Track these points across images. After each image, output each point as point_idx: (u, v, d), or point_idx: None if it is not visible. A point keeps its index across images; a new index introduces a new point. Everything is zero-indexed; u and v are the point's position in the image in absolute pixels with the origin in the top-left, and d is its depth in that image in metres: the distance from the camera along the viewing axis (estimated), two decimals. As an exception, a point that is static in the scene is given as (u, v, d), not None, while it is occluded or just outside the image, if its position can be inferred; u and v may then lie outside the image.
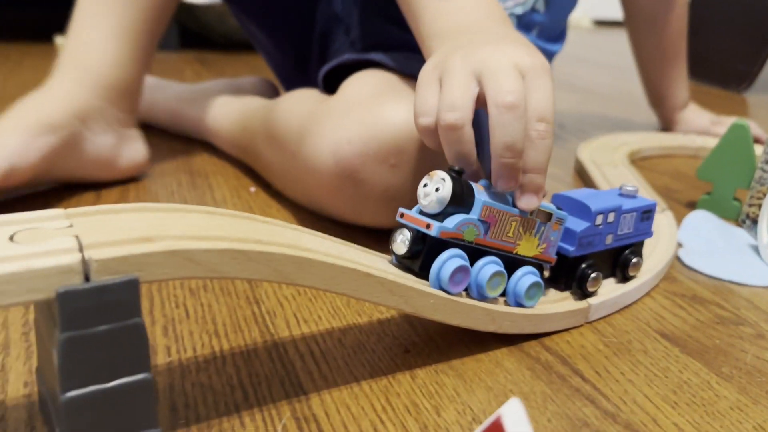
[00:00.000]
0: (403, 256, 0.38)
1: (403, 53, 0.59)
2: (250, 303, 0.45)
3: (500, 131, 0.39)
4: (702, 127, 1.02)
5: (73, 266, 0.26)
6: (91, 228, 0.29)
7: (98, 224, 0.29)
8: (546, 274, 0.44)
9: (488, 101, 0.39)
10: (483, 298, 0.39)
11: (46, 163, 0.58)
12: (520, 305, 0.41)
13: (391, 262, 0.39)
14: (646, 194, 0.69)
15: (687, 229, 0.62)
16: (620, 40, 1.93)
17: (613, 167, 0.80)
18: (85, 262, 0.26)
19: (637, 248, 0.48)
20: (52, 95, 0.62)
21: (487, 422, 0.21)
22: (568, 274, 0.45)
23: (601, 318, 0.46)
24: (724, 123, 1.02)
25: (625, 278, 0.48)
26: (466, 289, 0.39)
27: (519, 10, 0.71)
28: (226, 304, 0.45)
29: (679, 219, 0.65)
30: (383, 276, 0.34)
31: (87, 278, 0.26)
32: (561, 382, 0.38)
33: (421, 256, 0.38)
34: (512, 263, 0.41)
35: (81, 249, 0.27)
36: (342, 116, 0.52)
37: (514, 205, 0.40)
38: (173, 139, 0.83)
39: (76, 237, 0.27)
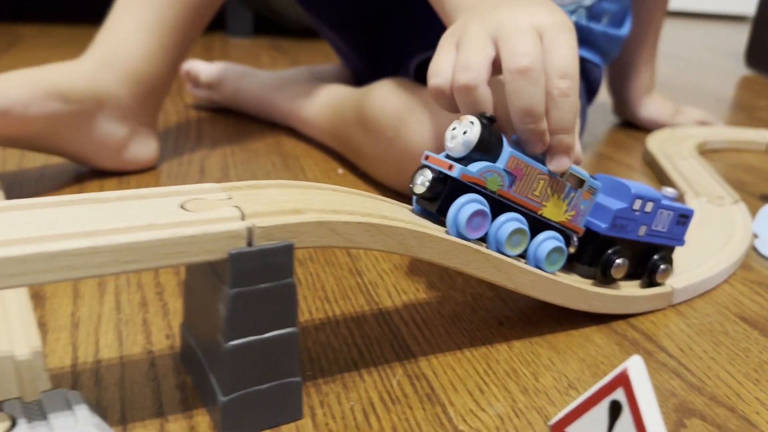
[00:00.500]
0: (422, 196, 0.38)
1: None
2: (353, 274, 0.49)
3: (516, 97, 0.38)
4: (666, 115, 1.00)
5: (240, 232, 0.30)
6: (247, 200, 0.33)
7: (252, 197, 0.33)
8: (572, 249, 0.42)
9: (503, 66, 0.39)
10: (501, 254, 0.39)
11: (47, 126, 0.58)
12: (540, 269, 0.40)
13: (412, 211, 0.40)
14: (718, 186, 0.70)
15: (762, 221, 0.64)
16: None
17: (682, 159, 0.82)
18: (250, 229, 0.30)
19: (667, 254, 0.47)
20: (76, 70, 0.62)
21: (613, 374, 0.24)
22: (594, 253, 0.44)
23: (683, 302, 0.49)
24: (686, 113, 1.01)
25: (651, 283, 0.47)
26: (484, 240, 0.39)
27: (588, 1, 0.73)
28: (332, 274, 0.49)
29: (753, 211, 0.66)
30: (490, 253, 0.38)
31: (250, 243, 0.31)
32: (648, 357, 0.41)
33: (440, 198, 0.37)
34: (537, 225, 0.40)
35: (243, 217, 0.31)
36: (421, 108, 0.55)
37: (545, 165, 0.40)
38: (262, 124, 0.88)
39: (237, 207, 0.32)
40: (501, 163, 0.37)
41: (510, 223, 0.38)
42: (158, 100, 0.69)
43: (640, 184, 0.45)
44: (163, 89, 0.69)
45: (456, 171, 0.36)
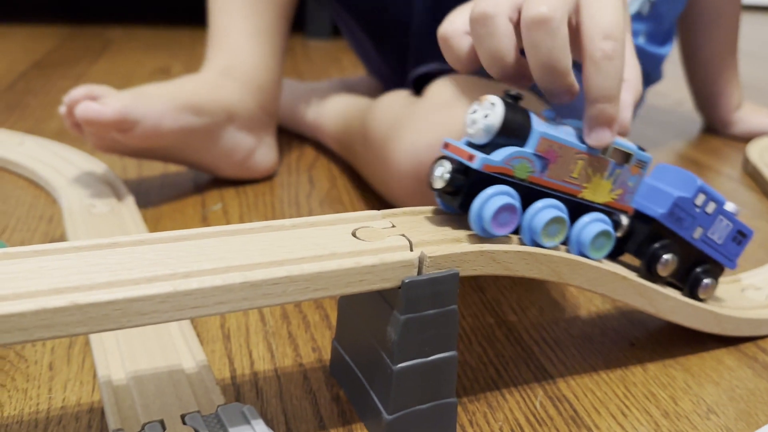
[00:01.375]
0: (443, 191, 0.34)
1: None
2: (474, 290, 0.50)
3: (532, 53, 0.34)
4: (764, 124, 0.97)
5: (412, 261, 0.32)
6: (410, 228, 0.34)
7: (413, 225, 0.35)
8: (620, 232, 0.38)
9: (521, 17, 0.34)
10: (536, 245, 0.35)
11: (179, 139, 0.60)
12: (584, 256, 0.36)
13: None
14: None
15: None
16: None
17: (785, 169, 0.80)
18: (421, 258, 0.32)
19: (714, 269, 0.43)
20: (203, 83, 0.64)
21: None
22: (642, 242, 0.40)
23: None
24: None
25: (692, 294, 0.43)
26: (517, 232, 0.35)
27: None
28: (457, 290, 0.50)
29: None
30: (635, 280, 0.39)
31: (419, 271, 0.32)
32: (784, 383, 0.42)
33: (462, 192, 0.33)
34: (578, 209, 0.36)
35: (411, 247, 0.33)
36: (421, 120, 0.52)
37: (583, 142, 0.35)
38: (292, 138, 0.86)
39: (404, 236, 0.33)
40: (530, 146, 0.33)
41: (545, 211, 0.34)
42: (277, 107, 0.71)
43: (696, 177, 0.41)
44: (279, 95, 0.71)
45: (477, 162, 0.32)
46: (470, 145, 0.34)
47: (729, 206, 0.42)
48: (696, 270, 0.42)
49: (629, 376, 0.41)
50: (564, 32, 0.33)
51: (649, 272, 0.40)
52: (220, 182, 0.69)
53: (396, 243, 0.32)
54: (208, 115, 0.62)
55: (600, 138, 0.35)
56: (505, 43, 0.35)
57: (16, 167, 0.68)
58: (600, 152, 0.35)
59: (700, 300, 0.43)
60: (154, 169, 0.71)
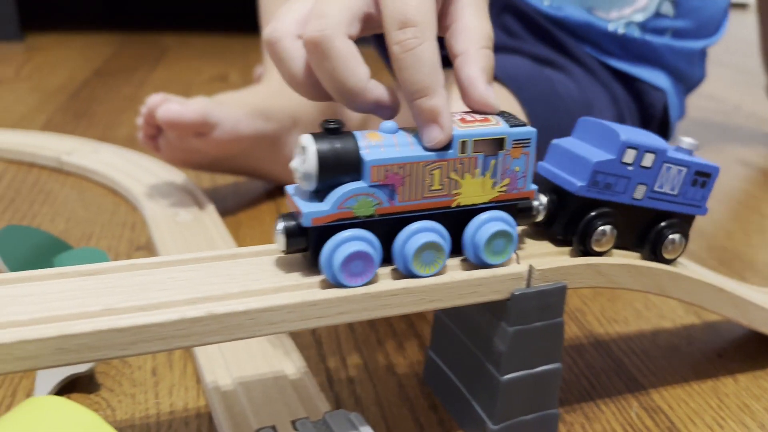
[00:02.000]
0: (285, 253, 0.30)
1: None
2: (555, 299, 0.51)
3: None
4: None
5: (522, 274, 0.32)
6: (514, 240, 0.35)
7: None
8: (540, 217, 0.34)
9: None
10: (413, 276, 0.31)
11: (251, 144, 0.61)
12: (485, 264, 0.32)
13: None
14: None
15: None
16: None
17: None
18: (530, 271, 0.32)
19: (679, 223, 0.36)
20: (268, 91, 0.66)
21: None
22: (569, 220, 0.34)
23: None
24: None
25: (656, 257, 0.37)
26: (387, 263, 0.31)
27: (639, 17, 0.69)
28: (538, 300, 0.51)
29: None
30: (731, 292, 0.39)
31: (528, 284, 0.33)
32: None
33: (308, 249, 0.30)
34: (464, 218, 0.32)
35: (518, 259, 0.33)
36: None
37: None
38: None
39: (511, 248, 0.34)
40: (365, 180, 0.29)
41: (415, 237, 0.30)
42: (333, 114, 0.73)
43: (639, 130, 0.36)
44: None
45: (304, 219, 0.29)
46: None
47: (684, 142, 0.36)
48: (655, 228, 0.36)
49: (721, 387, 0.41)
50: (339, 49, 0.30)
51: (585, 247, 0.34)
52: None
53: (504, 255, 0.33)
54: (277, 121, 0.64)
55: (431, 137, 0.30)
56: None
57: (94, 175, 0.70)
58: (459, 152, 0.30)
59: (665, 260, 0.37)
60: (227, 178, 0.73)
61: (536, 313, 0.33)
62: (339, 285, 0.29)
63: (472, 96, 0.31)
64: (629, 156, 0.34)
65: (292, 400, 0.36)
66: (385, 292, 0.30)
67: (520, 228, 0.35)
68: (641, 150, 0.34)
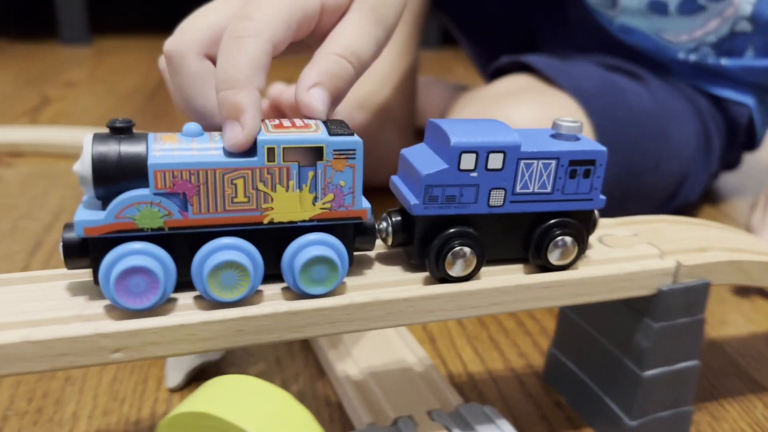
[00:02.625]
0: (70, 268, 0.27)
1: (558, 60, 0.61)
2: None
3: None
4: None
5: (670, 270, 0.32)
6: (652, 237, 0.35)
7: (653, 233, 0.35)
8: (389, 240, 0.30)
9: None
10: (214, 299, 0.26)
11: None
12: (305, 294, 0.27)
13: None
14: None
15: None
16: None
17: None
18: (677, 267, 0.32)
19: (567, 222, 0.30)
20: (361, 85, 0.67)
21: None
22: (417, 242, 0.29)
23: None
24: None
25: (544, 266, 0.31)
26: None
27: (712, 39, 0.64)
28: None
29: None
30: None
31: (674, 280, 0.32)
32: None
33: (90, 266, 0.26)
34: (285, 236, 0.27)
35: (661, 255, 0.33)
36: (468, 106, 0.55)
37: (234, 156, 0.26)
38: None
39: (652, 245, 0.34)
40: (150, 186, 0.25)
41: (213, 257, 0.26)
42: (414, 115, 0.74)
43: (491, 122, 0.30)
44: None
45: (75, 228, 0.25)
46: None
47: (564, 124, 0.30)
48: (536, 233, 0.30)
49: None
50: (189, 67, 0.30)
51: (438, 270, 0.29)
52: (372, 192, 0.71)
53: (646, 251, 0.33)
54: (372, 112, 0.65)
55: (229, 135, 0.26)
56: (189, 85, 0.30)
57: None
58: (265, 160, 0.26)
59: (555, 267, 0.31)
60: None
61: (681, 309, 0.33)
62: (120, 307, 0.25)
63: (296, 95, 0.29)
64: (468, 161, 0.28)
65: (424, 392, 0.37)
66: (538, 284, 0.30)
67: (374, 251, 0.31)
68: (482, 151, 0.28)
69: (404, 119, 0.70)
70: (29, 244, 0.55)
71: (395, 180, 0.31)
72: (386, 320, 0.28)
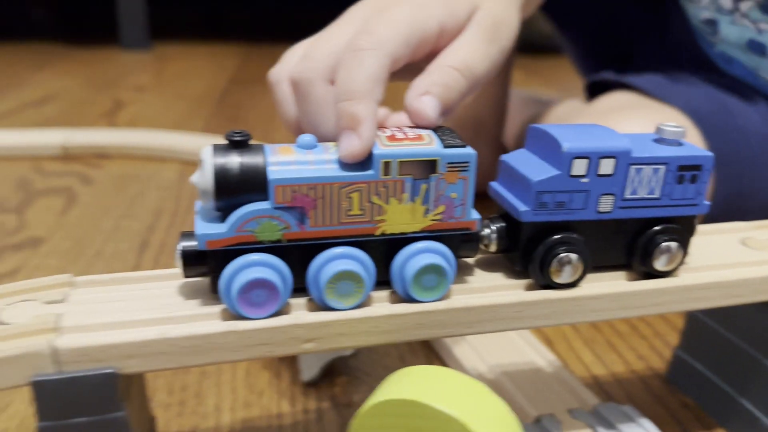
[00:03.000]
0: (187, 277, 0.27)
1: (665, 79, 0.60)
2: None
3: None
4: None
5: (819, 273, 0.32)
6: None
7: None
8: (492, 247, 0.30)
9: None
10: (328, 308, 0.27)
11: None
12: (412, 299, 0.28)
13: None
14: None
15: None
16: None
17: None
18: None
19: (673, 229, 0.30)
20: None
21: None
22: (522, 248, 0.29)
23: None
24: None
25: (648, 273, 0.31)
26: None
27: None
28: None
29: None
30: None
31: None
32: None
33: (209, 274, 0.27)
34: (394, 247, 0.28)
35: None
36: (573, 119, 0.56)
37: (349, 169, 0.27)
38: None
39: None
40: (270, 200, 0.26)
41: (329, 266, 0.26)
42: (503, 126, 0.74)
43: (599, 128, 0.30)
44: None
45: (198, 241, 0.26)
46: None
47: (669, 127, 0.30)
48: (642, 239, 0.30)
49: None
50: (316, 94, 0.32)
51: (544, 277, 0.29)
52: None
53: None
54: (464, 123, 0.66)
55: (346, 145, 0.27)
56: (318, 120, 0.32)
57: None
58: (381, 173, 0.27)
59: (660, 273, 0.31)
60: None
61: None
62: (240, 316, 0.26)
63: (406, 102, 0.29)
64: (579, 167, 0.28)
65: (559, 391, 0.37)
66: (697, 286, 0.30)
67: (473, 258, 0.31)
68: (594, 157, 0.28)
69: (495, 130, 0.70)
70: (135, 242, 0.57)
71: (496, 186, 0.31)
72: (552, 319, 0.29)
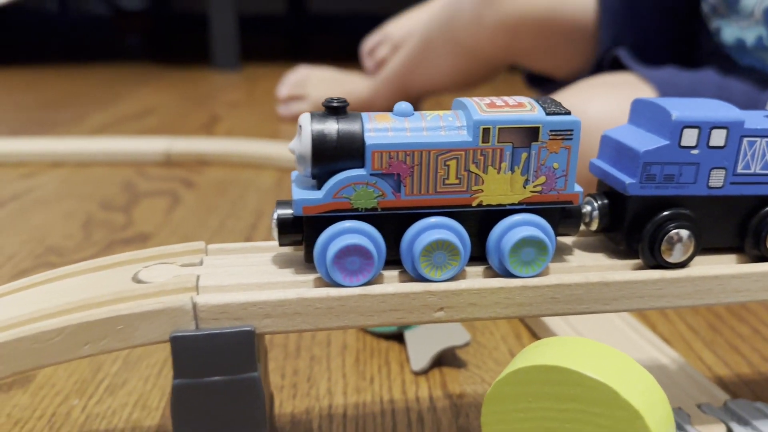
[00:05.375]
0: (281, 244, 0.27)
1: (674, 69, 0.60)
2: None
3: None
4: None
5: None
6: None
7: None
8: (594, 225, 0.29)
9: None
10: (423, 279, 0.27)
11: None
12: (510, 274, 0.27)
13: None
14: None
15: None
16: None
17: None
18: None
19: None
20: None
21: None
22: (629, 227, 0.28)
23: None
24: None
25: (762, 257, 0.29)
26: (398, 264, 0.27)
27: None
28: None
29: None
30: None
31: None
32: None
33: (302, 242, 0.27)
34: (490, 219, 0.27)
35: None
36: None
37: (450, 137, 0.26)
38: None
39: None
40: (367, 167, 0.26)
41: (425, 235, 0.26)
42: None
43: (709, 101, 0.29)
44: None
45: (294, 207, 0.26)
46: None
47: None
48: (756, 218, 0.29)
49: None
50: None
51: (654, 257, 0.28)
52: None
53: None
54: None
55: None
56: None
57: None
58: (480, 140, 0.26)
59: None
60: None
61: None
62: (334, 284, 0.26)
63: None
64: (690, 137, 0.27)
65: (685, 386, 0.36)
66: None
67: (570, 238, 0.30)
68: (705, 127, 0.27)
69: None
70: (240, 237, 0.58)
71: (597, 163, 0.30)
72: (693, 298, 0.28)
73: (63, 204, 0.67)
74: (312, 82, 1.03)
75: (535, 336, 0.43)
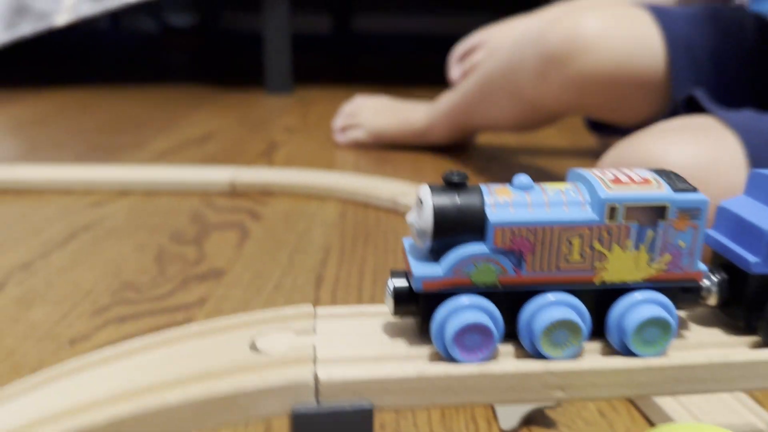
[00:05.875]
0: (396, 315, 0.27)
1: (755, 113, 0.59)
2: None
3: None
4: None
5: None
6: None
7: None
8: (712, 300, 0.28)
9: None
10: (542, 356, 0.26)
11: None
12: (630, 352, 0.26)
13: None
14: None
15: None
16: None
17: None
18: None
19: None
20: None
21: None
22: (749, 303, 0.27)
23: None
24: None
25: None
26: (515, 338, 0.27)
27: None
28: None
29: None
30: None
31: None
32: None
33: (417, 316, 0.27)
34: (609, 295, 0.27)
35: None
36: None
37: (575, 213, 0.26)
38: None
39: None
40: (488, 243, 0.25)
41: (545, 312, 0.25)
42: None
43: None
44: None
45: (414, 281, 0.25)
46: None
47: None
48: None
49: None
50: None
51: None
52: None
53: None
54: None
55: None
56: None
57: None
58: (606, 218, 0.25)
59: None
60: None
61: None
62: (451, 359, 0.26)
63: None
64: None
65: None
66: None
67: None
68: None
69: None
70: (311, 277, 0.58)
71: (714, 234, 0.29)
72: None
73: (134, 236, 0.68)
74: (366, 111, 1.04)
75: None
